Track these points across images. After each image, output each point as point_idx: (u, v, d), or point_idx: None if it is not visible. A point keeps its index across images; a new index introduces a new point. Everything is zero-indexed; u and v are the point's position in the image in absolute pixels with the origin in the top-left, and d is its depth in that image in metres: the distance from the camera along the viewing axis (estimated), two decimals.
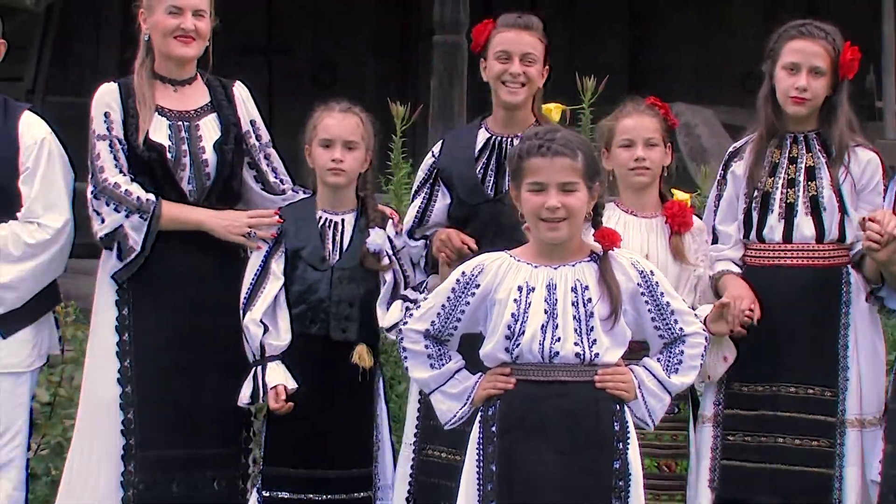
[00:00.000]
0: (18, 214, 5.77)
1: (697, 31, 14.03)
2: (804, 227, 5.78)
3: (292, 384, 5.64)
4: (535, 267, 4.90)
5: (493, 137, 5.92)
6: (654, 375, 4.95)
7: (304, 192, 5.97)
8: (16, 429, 5.84)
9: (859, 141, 5.86)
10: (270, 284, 5.74)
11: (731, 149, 6.03)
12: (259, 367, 5.67)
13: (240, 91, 5.98)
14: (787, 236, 5.81)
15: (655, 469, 5.78)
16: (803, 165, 5.82)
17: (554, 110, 6.79)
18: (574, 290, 4.87)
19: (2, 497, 5.79)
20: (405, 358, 5.06)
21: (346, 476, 5.78)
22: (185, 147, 5.78)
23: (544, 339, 4.83)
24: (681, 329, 4.95)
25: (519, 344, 4.85)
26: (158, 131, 5.75)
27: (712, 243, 5.92)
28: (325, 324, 5.74)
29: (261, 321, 5.68)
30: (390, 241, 5.86)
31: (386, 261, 5.82)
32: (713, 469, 5.86)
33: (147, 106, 5.74)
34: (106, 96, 5.79)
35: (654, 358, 4.99)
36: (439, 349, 5.01)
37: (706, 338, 5.00)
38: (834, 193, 5.77)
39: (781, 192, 5.81)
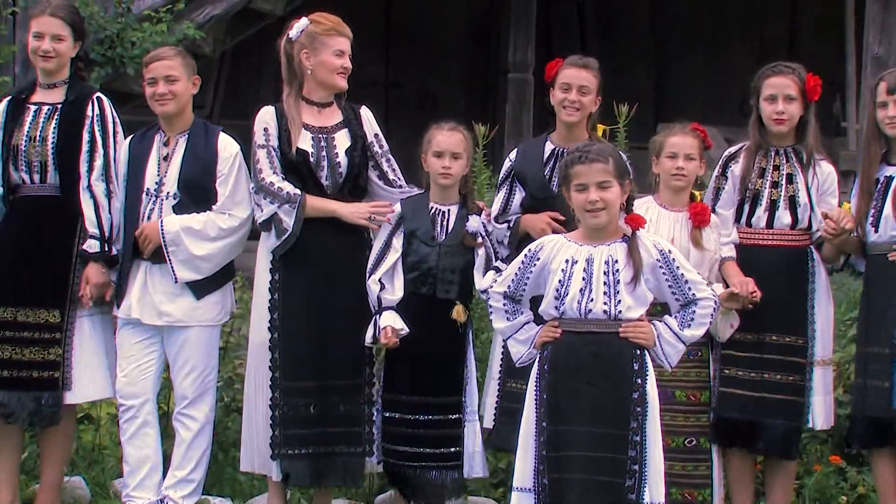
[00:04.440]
0: (214, 207, 5.87)
1: (705, 67, 13.93)
2: (783, 217, 5.84)
3: (400, 325, 5.63)
4: (580, 245, 4.95)
5: (556, 148, 5.91)
6: (670, 329, 4.96)
7: (418, 189, 5.94)
8: (212, 366, 5.97)
9: (823, 155, 5.93)
10: (390, 255, 5.75)
11: (727, 153, 6.04)
12: (377, 315, 5.69)
13: (365, 112, 5.95)
14: (770, 224, 5.86)
15: (685, 398, 5.82)
16: (784, 172, 5.86)
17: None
18: (607, 263, 4.90)
19: (204, 414, 5.92)
20: (490, 312, 5.12)
21: (442, 402, 5.79)
22: (323, 153, 5.76)
23: (581, 299, 4.87)
24: (693, 294, 4.94)
25: (563, 303, 4.89)
26: (304, 142, 5.75)
27: None
28: (432, 286, 5.76)
29: (379, 281, 5.70)
30: (484, 226, 5.87)
31: (479, 240, 5.82)
32: (713, 395, 5.87)
33: (296, 125, 5.75)
34: (265, 116, 5.78)
35: (672, 316, 4.99)
36: (514, 306, 5.04)
37: (715, 301, 4.99)
38: (806, 194, 5.83)
39: (768, 192, 5.85)
